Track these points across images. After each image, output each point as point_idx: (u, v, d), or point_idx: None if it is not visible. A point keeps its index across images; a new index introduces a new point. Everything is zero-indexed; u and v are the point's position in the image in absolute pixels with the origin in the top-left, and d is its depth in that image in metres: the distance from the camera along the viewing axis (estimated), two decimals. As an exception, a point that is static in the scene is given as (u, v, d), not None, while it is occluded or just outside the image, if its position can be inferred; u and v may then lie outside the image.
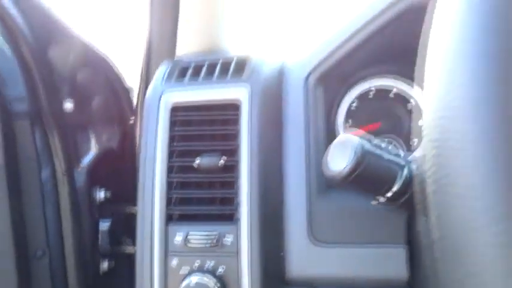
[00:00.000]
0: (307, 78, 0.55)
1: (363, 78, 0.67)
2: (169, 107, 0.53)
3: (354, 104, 0.66)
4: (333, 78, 0.63)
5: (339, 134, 0.65)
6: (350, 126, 0.66)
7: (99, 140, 0.72)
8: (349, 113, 0.66)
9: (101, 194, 0.68)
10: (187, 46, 0.63)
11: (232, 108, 0.52)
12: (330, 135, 0.64)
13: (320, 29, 0.57)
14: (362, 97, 0.67)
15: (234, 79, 0.53)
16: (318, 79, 0.56)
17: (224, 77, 0.54)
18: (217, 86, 0.53)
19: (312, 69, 0.56)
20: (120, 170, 0.74)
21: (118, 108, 0.71)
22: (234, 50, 0.64)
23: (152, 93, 0.55)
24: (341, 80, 0.66)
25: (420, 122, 0.66)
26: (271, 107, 0.53)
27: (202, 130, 0.52)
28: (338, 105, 0.66)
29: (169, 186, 0.51)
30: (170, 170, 0.51)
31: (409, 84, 0.66)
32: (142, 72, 0.65)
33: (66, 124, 0.64)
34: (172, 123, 0.53)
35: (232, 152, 0.51)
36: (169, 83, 0.55)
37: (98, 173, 0.68)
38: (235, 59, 0.56)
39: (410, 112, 0.66)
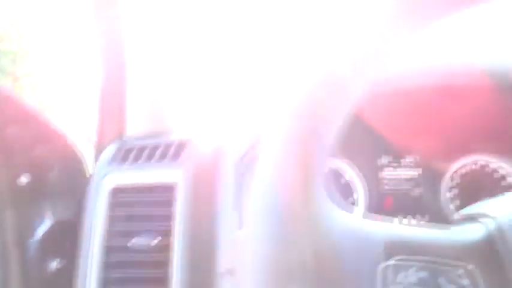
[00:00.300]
0: (240, 160, 0.60)
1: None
2: (111, 188, 0.57)
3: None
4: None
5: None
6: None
7: (54, 210, 0.75)
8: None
9: (53, 265, 0.70)
10: (137, 127, 0.68)
11: (168, 190, 0.56)
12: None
13: (254, 116, 0.63)
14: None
15: (172, 162, 0.58)
16: (250, 163, 0.61)
17: (163, 160, 0.58)
18: (156, 169, 0.57)
19: (245, 153, 0.60)
20: (74, 239, 0.76)
21: (73, 181, 0.74)
22: (180, 131, 0.68)
23: (96, 175, 0.59)
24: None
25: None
26: (206, 189, 0.57)
27: (140, 211, 0.56)
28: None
29: (106, 266, 0.54)
30: (107, 250, 0.54)
31: (343, 161, 0.71)
32: (94, 151, 0.69)
33: (20, 197, 0.67)
34: (113, 205, 0.56)
35: (167, 233, 0.54)
36: (112, 166, 0.59)
37: (52, 243, 0.70)
38: (176, 142, 0.61)
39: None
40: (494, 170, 0.70)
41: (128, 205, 0.56)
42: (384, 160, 0.72)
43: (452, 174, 0.71)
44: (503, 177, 0.70)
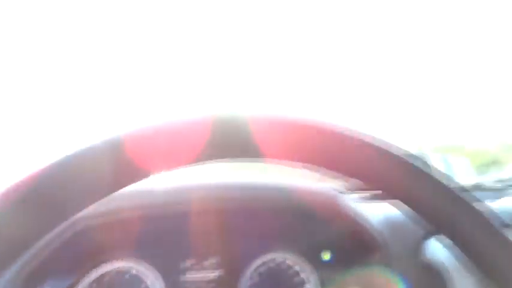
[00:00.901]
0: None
1: (103, 262, 0.71)
2: None
3: (87, 289, 0.69)
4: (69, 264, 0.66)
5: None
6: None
7: None
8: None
9: None
10: None
11: None
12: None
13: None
14: (99, 281, 0.70)
15: None
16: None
17: None
18: None
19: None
20: None
21: None
22: None
23: None
24: (80, 262, 0.69)
25: (155, 302, 0.70)
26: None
27: None
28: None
29: None
30: None
31: (144, 267, 0.72)
32: None
33: None
34: None
35: None
36: None
37: None
38: None
39: (144, 293, 0.70)
40: (290, 267, 0.76)
41: None
42: (187, 263, 0.74)
43: (251, 273, 0.75)
44: (297, 273, 0.76)
